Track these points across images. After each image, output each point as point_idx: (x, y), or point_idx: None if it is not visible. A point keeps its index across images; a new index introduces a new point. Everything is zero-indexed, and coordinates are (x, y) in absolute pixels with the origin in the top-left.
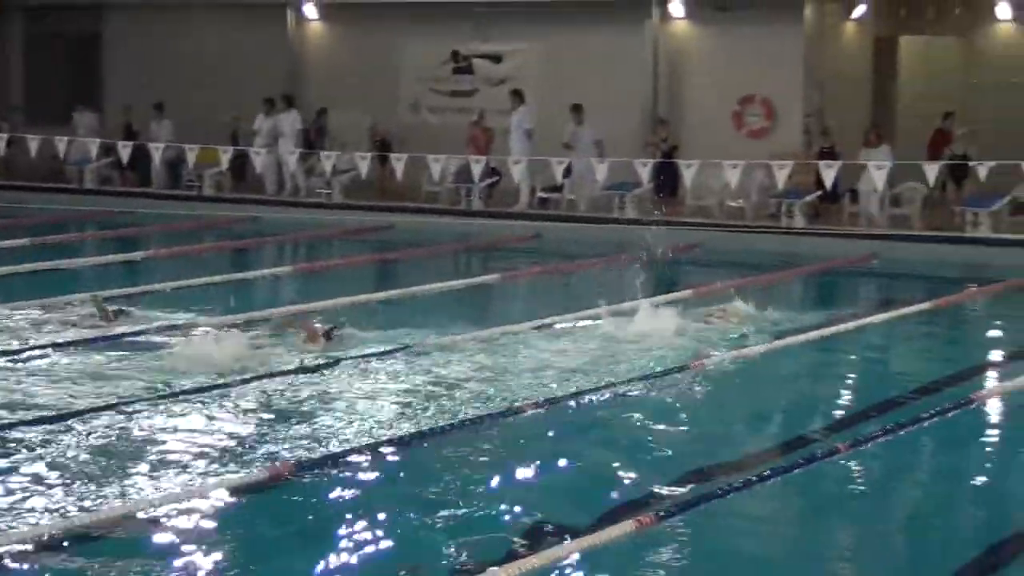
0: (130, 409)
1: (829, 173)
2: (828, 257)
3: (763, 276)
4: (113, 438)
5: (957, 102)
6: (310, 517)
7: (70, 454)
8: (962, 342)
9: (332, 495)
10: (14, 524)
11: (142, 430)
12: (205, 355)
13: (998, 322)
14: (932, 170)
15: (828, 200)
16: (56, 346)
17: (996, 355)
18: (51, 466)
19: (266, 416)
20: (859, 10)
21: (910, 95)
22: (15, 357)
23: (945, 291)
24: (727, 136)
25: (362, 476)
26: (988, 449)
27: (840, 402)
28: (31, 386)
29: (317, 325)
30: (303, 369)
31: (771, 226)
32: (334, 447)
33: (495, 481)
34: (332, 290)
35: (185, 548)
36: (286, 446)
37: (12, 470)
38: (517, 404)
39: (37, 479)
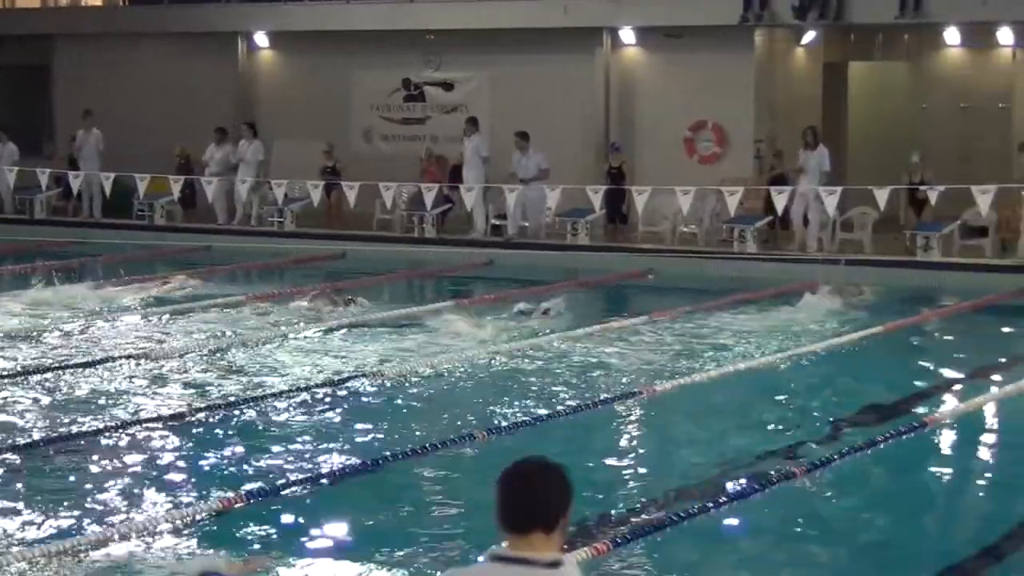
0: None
1: (780, 199)
2: (780, 282)
3: (712, 302)
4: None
5: (907, 127)
6: None
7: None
8: (912, 365)
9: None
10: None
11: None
12: (470, 332)
13: (948, 345)
14: (882, 195)
15: (781, 225)
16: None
17: (947, 377)
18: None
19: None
20: (809, 36)
21: (860, 120)
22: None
23: (897, 315)
24: (679, 162)
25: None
26: (941, 470)
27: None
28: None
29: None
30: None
31: (723, 251)
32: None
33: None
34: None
35: None
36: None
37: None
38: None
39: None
